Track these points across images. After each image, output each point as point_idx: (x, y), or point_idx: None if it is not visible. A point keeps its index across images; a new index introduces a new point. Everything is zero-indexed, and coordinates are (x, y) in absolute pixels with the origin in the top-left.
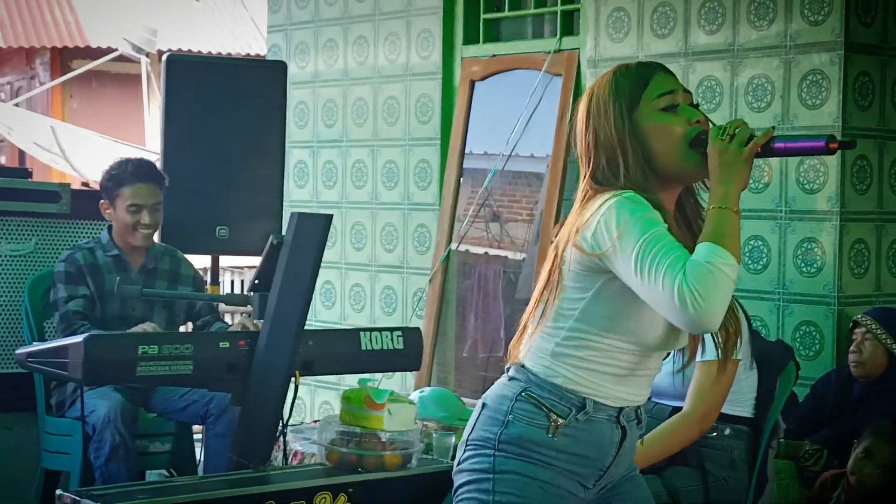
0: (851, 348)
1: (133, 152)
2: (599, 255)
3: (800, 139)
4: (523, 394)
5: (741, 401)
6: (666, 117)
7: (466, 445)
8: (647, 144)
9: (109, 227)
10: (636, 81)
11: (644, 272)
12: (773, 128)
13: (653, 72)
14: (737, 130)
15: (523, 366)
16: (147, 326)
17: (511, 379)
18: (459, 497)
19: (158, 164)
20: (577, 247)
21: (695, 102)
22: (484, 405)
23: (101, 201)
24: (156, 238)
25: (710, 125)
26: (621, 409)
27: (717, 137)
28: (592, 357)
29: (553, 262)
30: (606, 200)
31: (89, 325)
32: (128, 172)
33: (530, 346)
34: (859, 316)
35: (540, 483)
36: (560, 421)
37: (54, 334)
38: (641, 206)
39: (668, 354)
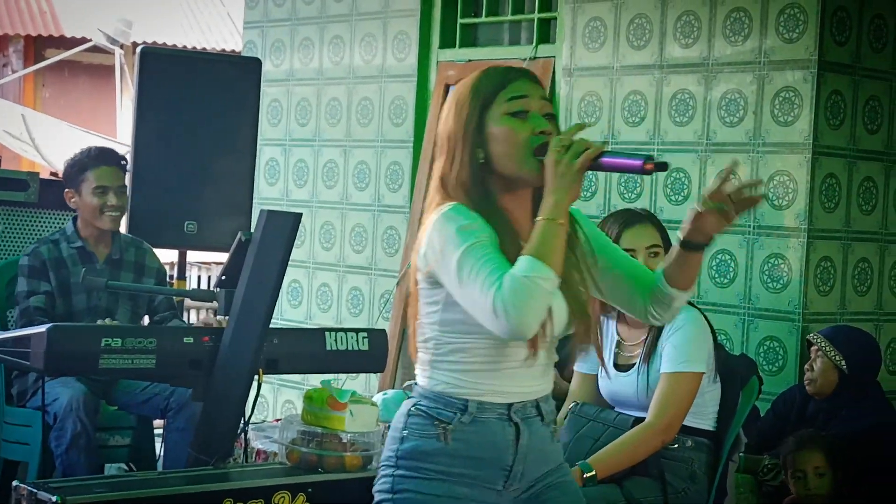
0: (806, 366)
1: (104, 144)
2: (429, 272)
3: (623, 156)
4: (413, 408)
5: (704, 413)
6: (512, 122)
7: (379, 466)
8: (489, 146)
9: (74, 219)
10: (496, 83)
11: (463, 284)
12: (606, 143)
13: (515, 77)
14: (573, 143)
15: (416, 382)
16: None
17: (408, 397)
18: None
19: (129, 157)
20: (415, 265)
21: (552, 113)
22: (389, 425)
23: (66, 191)
24: (123, 229)
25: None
26: (510, 405)
27: (554, 148)
28: (463, 359)
29: (412, 281)
30: (432, 217)
31: (48, 321)
32: (91, 157)
33: (417, 362)
34: (812, 334)
35: (434, 497)
36: (447, 426)
37: (15, 325)
38: (462, 219)
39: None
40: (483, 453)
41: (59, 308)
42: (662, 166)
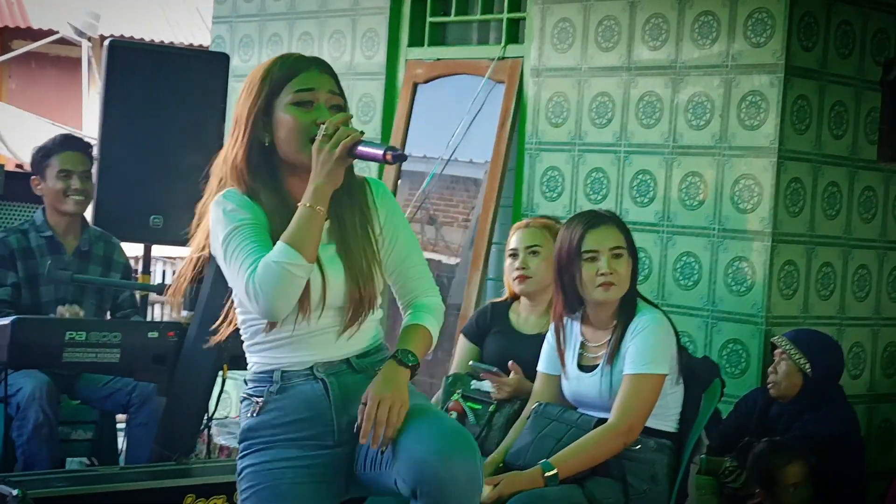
0: (769, 369)
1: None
2: (213, 256)
3: (372, 146)
4: (243, 393)
5: (666, 415)
6: (296, 111)
7: None
8: (274, 131)
9: (44, 209)
10: (287, 72)
11: (229, 266)
12: (362, 133)
13: (305, 67)
14: (335, 132)
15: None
16: (65, 311)
17: None
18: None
19: (96, 150)
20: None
21: (339, 105)
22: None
23: (33, 178)
24: (89, 221)
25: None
26: (312, 365)
27: (318, 137)
28: (264, 338)
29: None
30: (209, 205)
31: (13, 313)
32: (56, 143)
33: None
34: (776, 337)
35: (265, 465)
36: (259, 400)
37: None
38: (229, 203)
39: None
40: (300, 414)
41: (26, 299)
42: (401, 157)
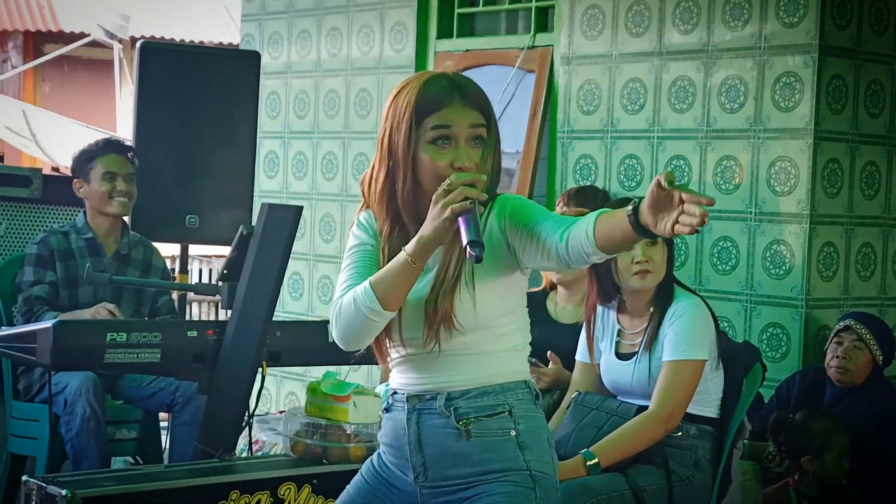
0: (839, 353)
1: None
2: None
3: (470, 225)
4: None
5: (707, 401)
6: (433, 151)
7: None
8: (416, 171)
9: (85, 212)
10: (428, 105)
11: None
12: (472, 203)
13: (447, 101)
14: (451, 190)
15: None
16: (101, 309)
17: None
18: None
19: None
20: None
21: (481, 136)
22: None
23: (75, 181)
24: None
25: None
26: (410, 395)
27: (440, 188)
28: (390, 353)
29: None
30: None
31: (50, 310)
32: (99, 147)
33: None
34: (850, 321)
35: (370, 462)
36: (382, 412)
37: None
38: (358, 231)
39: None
40: (392, 440)
41: (64, 299)
42: (476, 258)
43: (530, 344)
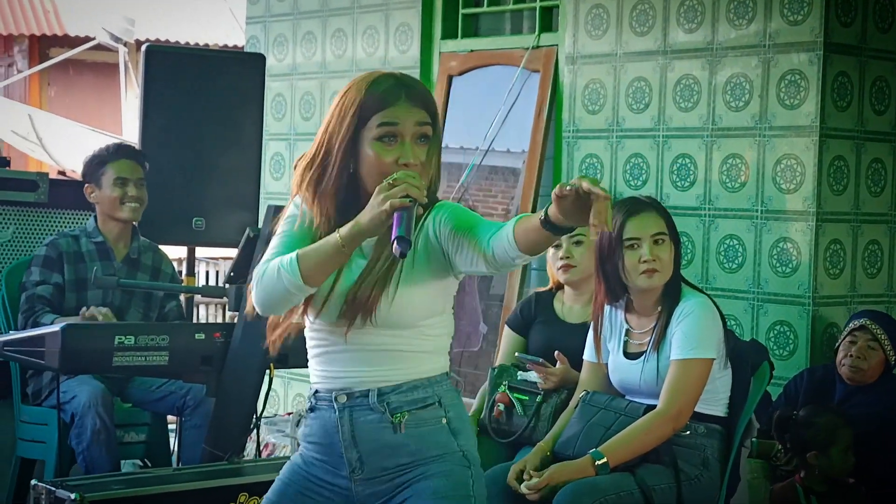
0: (852, 352)
1: (110, 141)
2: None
3: (402, 222)
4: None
5: (715, 400)
6: (379, 147)
7: None
8: (358, 162)
9: (96, 217)
10: (375, 102)
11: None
12: (413, 202)
13: (394, 100)
14: (396, 185)
15: None
16: (95, 311)
17: None
18: None
19: None
20: None
21: (426, 135)
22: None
23: (86, 186)
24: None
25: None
26: (334, 391)
27: (385, 181)
28: (309, 345)
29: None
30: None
31: (50, 311)
32: (110, 152)
33: None
34: (865, 320)
35: (295, 463)
36: (305, 413)
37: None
38: (295, 207)
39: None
40: (320, 438)
41: (71, 302)
42: (400, 254)
43: (536, 343)
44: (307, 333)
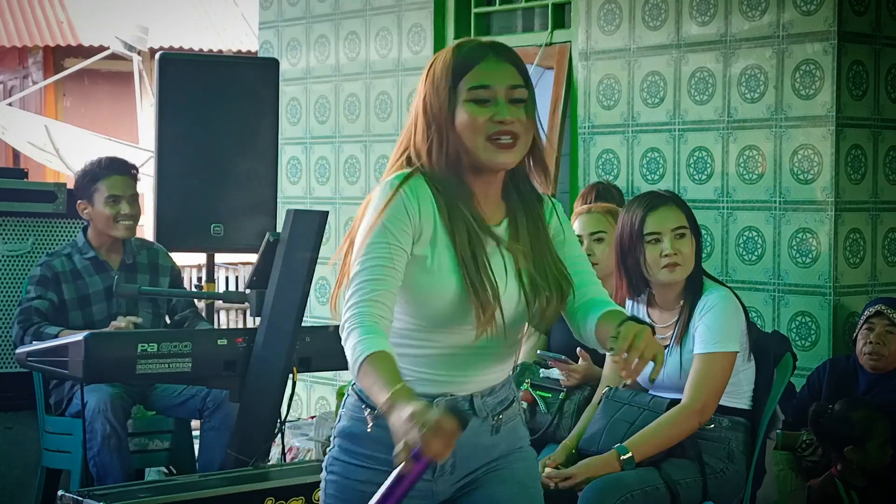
0: (871, 339)
1: (126, 150)
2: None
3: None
4: (351, 387)
5: (739, 392)
6: (472, 108)
7: None
8: (456, 129)
9: (84, 230)
10: (463, 63)
11: (352, 268)
12: (423, 470)
13: (482, 56)
14: (430, 421)
15: None
16: (122, 322)
17: None
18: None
19: (153, 163)
20: (357, 222)
21: (520, 98)
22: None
23: (79, 202)
24: (150, 236)
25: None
26: (435, 396)
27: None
28: (395, 341)
29: (346, 249)
30: (386, 177)
31: (46, 325)
32: (101, 167)
33: None
34: (881, 306)
35: (359, 484)
36: (374, 411)
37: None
38: (395, 208)
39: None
40: None
41: (77, 319)
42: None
43: (557, 340)
44: (402, 331)
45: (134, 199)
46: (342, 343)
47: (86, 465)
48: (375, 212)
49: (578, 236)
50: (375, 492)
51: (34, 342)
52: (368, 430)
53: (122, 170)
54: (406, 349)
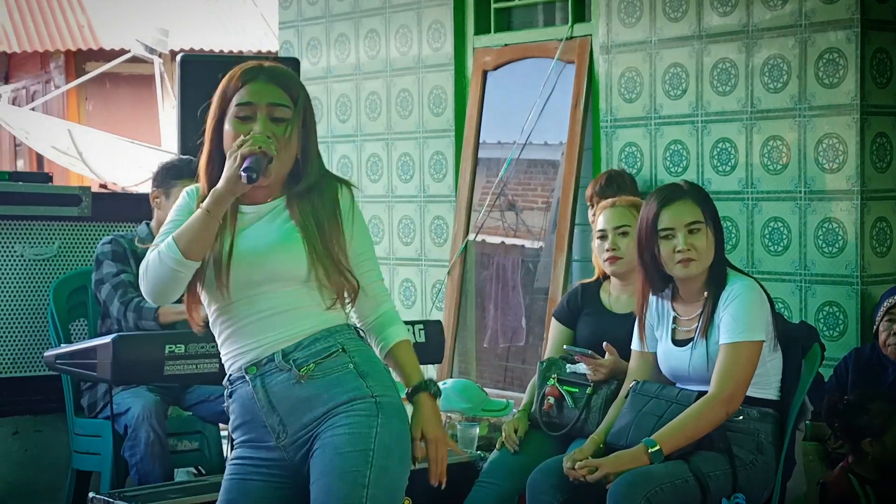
0: (894, 330)
1: (149, 153)
2: None
3: (251, 163)
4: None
5: (767, 383)
6: (235, 124)
7: None
8: (222, 144)
9: (147, 223)
10: (236, 83)
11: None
12: (260, 148)
13: (252, 78)
14: (244, 143)
15: None
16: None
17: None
18: None
19: None
20: None
21: (281, 117)
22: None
23: (154, 190)
24: None
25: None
26: (245, 366)
27: (234, 144)
28: (216, 331)
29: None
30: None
31: (140, 298)
32: (186, 167)
33: None
34: None
35: (232, 461)
36: (226, 401)
37: (84, 335)
38: (181, 201)
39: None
40: (243, 417)
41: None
42: (248, 178)
43: (583, 335)
44: (213, 324)
45: None
46: (146, 278)
47: (115, 466)
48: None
49: (603, 230)
50: (242, 463)
51: (62, 345)
52: (228, 416)
53: None
54: (220, 336)
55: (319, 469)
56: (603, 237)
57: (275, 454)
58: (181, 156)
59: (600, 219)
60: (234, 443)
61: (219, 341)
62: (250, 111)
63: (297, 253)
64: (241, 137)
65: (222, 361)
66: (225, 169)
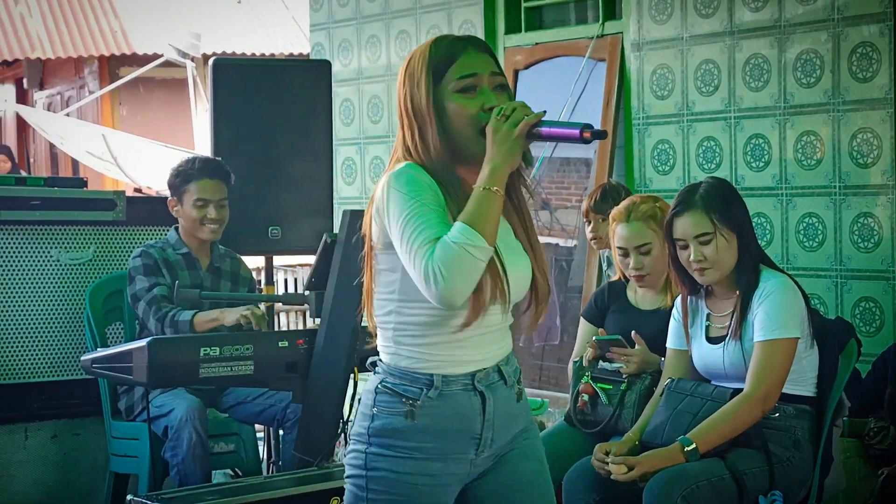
0: None
1: (183, 157)
2: (381, 234)
3: (562, 125)
4: (380, 385)
5: (803, 380)
6: (460, 99)
7: (350, 439)
8: (445, 122)
9: (176, 228)
10: (444, 57)
11: (404, 248)
12: (544, 112)
13: (462, 49)
14: (512, 112)
15: (379, 359)
16: (248, 312)
17: (375, 373)
18: (346, 485)
19: None
20: (368, 226)
21: (503, 84)
22: (359, 400)
23: (170, 199)
24: None
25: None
26: (473, 373)
27: (494, 117)
28: (425, 332)
29: (366, 248)
30: (386, 175)
31: (178, 311)
32: (195, 168)
33: (378, 338)
34: None
35: (409, 476)
36: (415, 403)
37: (120, 338)
38: (410, 181)
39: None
40: (452, 426)
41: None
42: (601, 134)
43: (611, 332)
44: (413, 318)
45: (222, 203)
46: (447, 275)
47: (153, 468)
48: (399, 197)
49: (623, 248)
50: (425, 483)
51: (98, 349)
52: (415, 421)
53: (213, 173)
54: (434, 338)
55: (529, 473)
56: (625, 254)
57: (462, 467)
58: (187, 156)
59: (618, 234)
60: (409, 448)
61: (423, 338)
62: (475, 81)
63: (528, 268)
64: (497, 115)
65: (402, 351)
66: (496, 144)
